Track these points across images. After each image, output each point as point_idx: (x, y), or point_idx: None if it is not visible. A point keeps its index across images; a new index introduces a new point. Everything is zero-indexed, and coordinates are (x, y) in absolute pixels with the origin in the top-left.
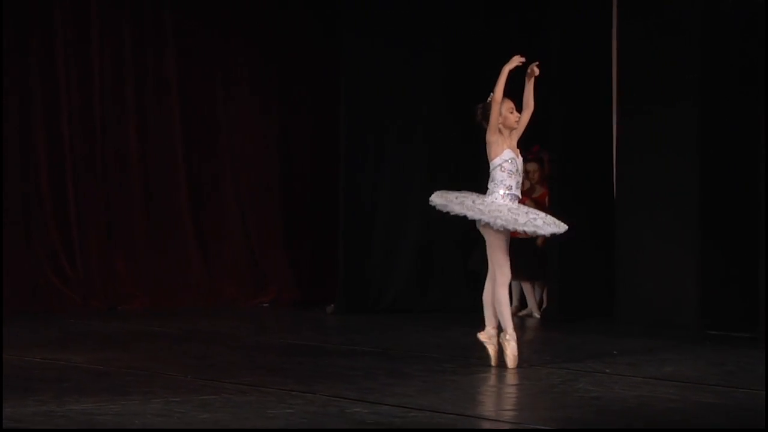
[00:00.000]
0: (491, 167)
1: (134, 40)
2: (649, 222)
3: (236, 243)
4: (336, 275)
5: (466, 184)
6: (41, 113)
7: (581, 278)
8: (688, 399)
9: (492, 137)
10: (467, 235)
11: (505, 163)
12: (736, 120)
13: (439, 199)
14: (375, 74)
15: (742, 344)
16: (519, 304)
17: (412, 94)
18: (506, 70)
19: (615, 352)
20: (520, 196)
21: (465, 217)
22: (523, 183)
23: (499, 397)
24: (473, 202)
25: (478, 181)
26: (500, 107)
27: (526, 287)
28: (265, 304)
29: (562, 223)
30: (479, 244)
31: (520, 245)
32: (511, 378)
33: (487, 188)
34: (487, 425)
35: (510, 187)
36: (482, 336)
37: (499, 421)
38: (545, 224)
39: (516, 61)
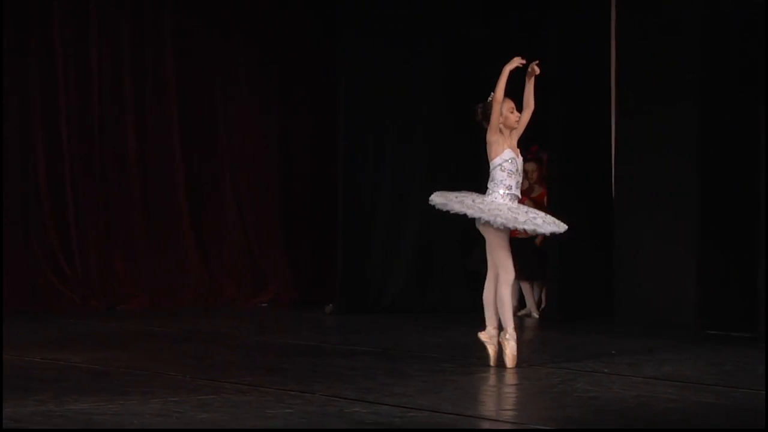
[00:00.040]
0: (491, 167)
1: (133, 39)
2: (648, 222)
3: (235, 243)
4: (335, 275)
5: (466, 184)
6: (40, 113)
7: (580, 278)
8: (687, 399)
9: (492, 137)
10: (467, 234)
11: (506, 162)
12: (735, 120)
13: (439, 198)
14: (375, 74)
15: (741, 344)
16: (518, 304)
17: (412, 94)
18: (507, 70)
19: (613, 352)
20: (520, 196)
21: (465, 215)
22: (522, 183)
23: (499, 397)
24: (473, 201)
25: (478, 181)
26: (501, 107)
27: (525, 287)
28: (264, 304)
29: (562, 223)
30: (479, 243)
31: (519, 245)
32: (510, 378)
33: (486, 188)
34: (486, 425)
35: (510, 187)
36: (483, 336)
37: (499, 420)
38: (545, 223)
39: (516, 62)
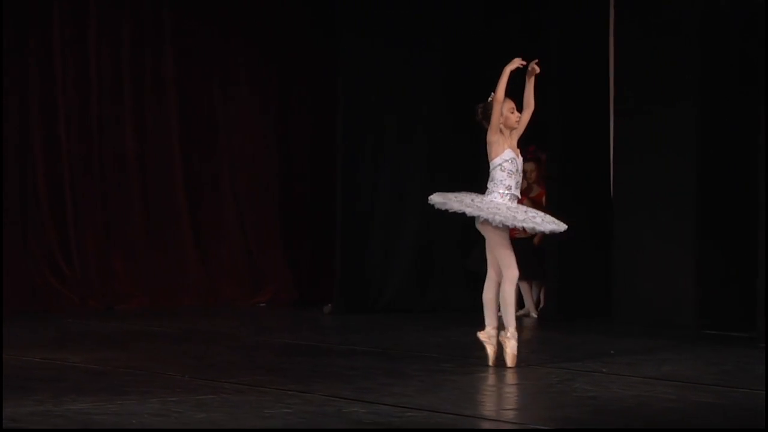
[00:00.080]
0: (491, 167)
1: (133, 39)
2: (647, 222)
3: (234, 243)
4: (334, 275)
5: (465, 185)
6: (38, 113)
7: (579, 278)
8: (686, 399)
9: (493, 137)
10: (466, 234)
11: (506, 162)
12: (734, 120)
13: (438, 197)
14: (374, 74)
15: (740, 344)
16: (516, 304)
17: (412, 94)
18: (507, 70)
19: (612, 351)
20: (520, 197)
21: (463, 214)
22: (520, 183)
23: (497, 397)
24: (472, 200)
25: (478, 181)
26: (501, 107)
27: (523, 287)
28: (263, 304)
29: (562, 223)
30: (478, 243)
31: (517, 244)
32: (509, 378)
33: (486, 188)
34: (485, 425)
35: (510, 187)
36: (482, 335)
37: (497, 420)
38: (544, 222)
39: (517, 62)
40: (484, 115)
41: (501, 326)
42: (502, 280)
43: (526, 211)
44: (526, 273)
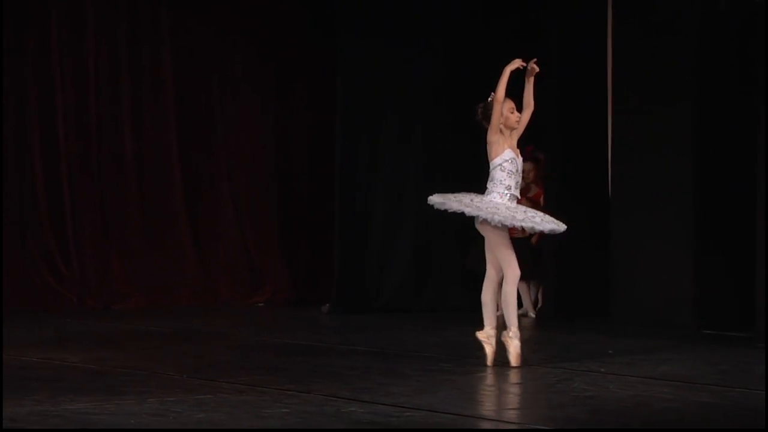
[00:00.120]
0: (491, 167)
1: (130, 38)
2: (645, 221)
3: (232, 242)
4: (332, 274)
5: (465, 185)
6: (36, 112)
7: (577, 277)
8: (684, 398)
9: (493, 137)
10: (465, 234)
11: (506, 162)
12: (732, 120)
13: (438, 198)
14: (373, 74)
15: (738, 344)
16: None
17: (411, 94)
18: (508, 70)
19: (611, 351)
20: (519, 197)
21: (462, 214)
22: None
23: (496, 397)
24: (471, 200)
25: (477, 181)
26: (501, 107)
27: (522, 287)
28: (260, 304)
29: (561, 222)
30: (477, 243)
31: (515, 244)
32: (507, 377)
33: (486, 188)
34: (483, 425)
35: (509, 187)
36: (481, 335)
37: (496, 420)
38: (543, 221)
39: (517, 63)
40: (484, 115)
41: (501, 326)
42: (504, 280)
43: (525, 211)
44: (524, 273)
